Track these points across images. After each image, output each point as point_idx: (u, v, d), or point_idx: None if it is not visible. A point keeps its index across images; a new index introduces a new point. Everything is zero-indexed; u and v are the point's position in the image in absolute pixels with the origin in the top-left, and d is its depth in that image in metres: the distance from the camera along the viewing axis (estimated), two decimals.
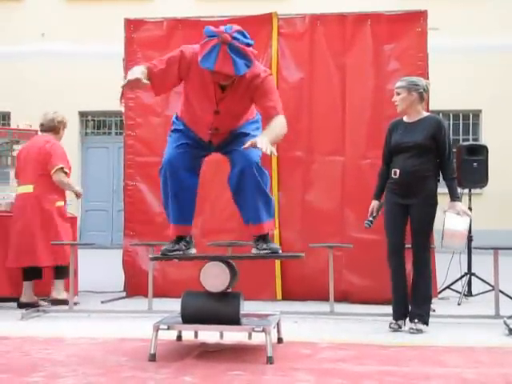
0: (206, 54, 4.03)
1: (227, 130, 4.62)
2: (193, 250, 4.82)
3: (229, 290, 4.60)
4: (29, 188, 6.83)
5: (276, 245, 4.75)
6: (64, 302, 6.79)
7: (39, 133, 7.31)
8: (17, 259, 6.78)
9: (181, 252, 4.71)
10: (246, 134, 4.57)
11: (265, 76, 4.41)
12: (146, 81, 4.24)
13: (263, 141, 4.04)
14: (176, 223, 4.72)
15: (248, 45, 4.11)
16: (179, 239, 4.74)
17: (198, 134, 4.66)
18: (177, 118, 4.81)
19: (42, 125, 7.16)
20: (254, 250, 4.64)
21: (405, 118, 5.78)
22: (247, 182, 4.46)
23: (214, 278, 4.49)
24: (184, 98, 4.67)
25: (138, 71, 4.29)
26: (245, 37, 4.11)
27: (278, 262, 7.22)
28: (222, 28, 4.10)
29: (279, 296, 7.27)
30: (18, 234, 6.76)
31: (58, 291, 6.98)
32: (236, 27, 4.12)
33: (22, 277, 6.85)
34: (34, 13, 14.85)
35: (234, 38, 4.03)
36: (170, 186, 4.60)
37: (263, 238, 4.61)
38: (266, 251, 4.58)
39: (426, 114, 5.81)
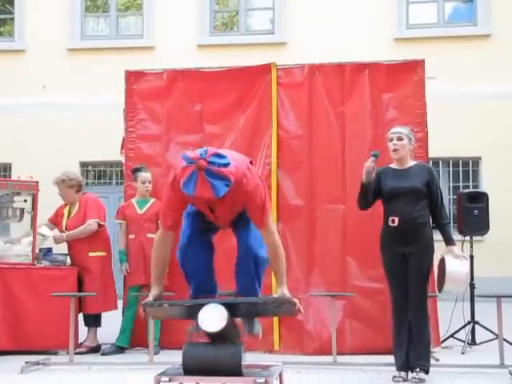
0: (186, 180, 4.14)
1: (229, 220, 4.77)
2: None
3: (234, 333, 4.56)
4: None
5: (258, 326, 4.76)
6: (97, 349, 7.34)
7: (81, 193, 7.67)
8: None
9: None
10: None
11: (252, 191, 4.44)
12: None
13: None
14: (196, 295, 4.82)
15: (225, 165, 4.15)
16: None
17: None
18: None
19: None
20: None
21: (394, 166, 5.82)
22: (246, 267, 4.70)
23: (211, 317, 4.47)
24: None
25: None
26: (220, 158, 4.14)
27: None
28: (198, 153, 4.11)
29: (277, 346, 7.16)
30: None
31: (93, 339, 7.41)
32: (211, 150, 4.12)
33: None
34: (34, 65, 14.95)
35: (210, 163, 4.08)
36: (186, 270, 4.79)
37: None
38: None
39: (413, 162, 5.87)
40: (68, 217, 7.54)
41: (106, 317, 7.51)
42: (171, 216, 4.55)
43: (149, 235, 7.32)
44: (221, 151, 4.19)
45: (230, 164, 4.15)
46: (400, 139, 5.76)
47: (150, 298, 4.49)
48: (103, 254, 7.49)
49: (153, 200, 7.49)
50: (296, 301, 4.41)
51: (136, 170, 7.51)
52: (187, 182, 4.12)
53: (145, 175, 7.48)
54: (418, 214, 5.60)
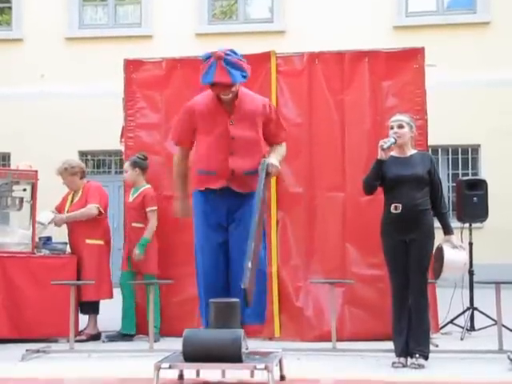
0: (205, 72, 4.52)
1: (242, 165, 5.01)
2: None
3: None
4: None
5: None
6: (98, 337, 7.33)
7: (84, 180, 7.68)
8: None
9: None
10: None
11: (271, 107, 5.14)
12: None
13: (274, 165, 5.16)
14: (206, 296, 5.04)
15: (241, 59, 4.61)
16: None
17: (215, 198, 5.07)
18: (194, 192, 5.26)
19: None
20: None
21: (395, 154, 5.80)
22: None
23: None
24: (199, 147, 5.16)
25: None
26: (237, 54, 4.60)
27: (275, 300, 7.17)
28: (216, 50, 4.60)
29: (277, 333, 7.17)
30: None
31: (93, 327, 7.40)
32: (228, 48, 4.63)
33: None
34: (33, 54, 14.94)
35: (227, 54, 4.54)
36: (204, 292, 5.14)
37: None
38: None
39: (414, 150, 5.86)
40: (71, 203, 7.57)
41: (105, 304, 7.52)
42: (180, 133, 5.15)
43: (133, 224, 7.36)
44: None
45: (245, 61, 4.64)
46: (401, 127, 5.76)
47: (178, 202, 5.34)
48: (100, 242, 7.48)
49: (143, 188, 7.38)
50: (277, 166, 5.11)
51: None
52: (206, 73, 4.53)
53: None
54: (420, 200, 5.60)
